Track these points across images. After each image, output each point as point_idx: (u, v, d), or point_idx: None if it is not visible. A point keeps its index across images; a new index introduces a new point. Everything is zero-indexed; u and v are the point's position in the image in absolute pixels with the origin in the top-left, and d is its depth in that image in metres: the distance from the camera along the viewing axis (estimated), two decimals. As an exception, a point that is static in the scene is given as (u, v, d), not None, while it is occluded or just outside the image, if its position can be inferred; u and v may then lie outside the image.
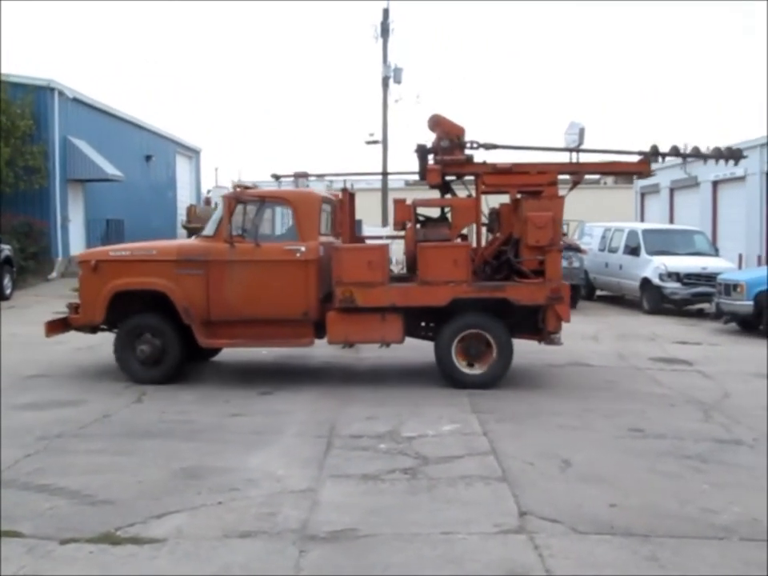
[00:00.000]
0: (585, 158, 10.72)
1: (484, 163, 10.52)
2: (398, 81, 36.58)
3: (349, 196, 11.42)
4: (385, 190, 35.57)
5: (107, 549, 5.07)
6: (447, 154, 10.42)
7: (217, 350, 11.63)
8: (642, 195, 38.95)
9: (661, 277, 19.56)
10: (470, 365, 10.06)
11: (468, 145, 10.60)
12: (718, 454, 7.41)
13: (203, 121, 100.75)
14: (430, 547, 5.11)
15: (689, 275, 19.39)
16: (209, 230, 10.68)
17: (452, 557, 4.96)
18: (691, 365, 12.17)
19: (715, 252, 21.84)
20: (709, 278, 18.73)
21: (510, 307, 10.00)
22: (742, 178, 29.58)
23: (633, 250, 21.06)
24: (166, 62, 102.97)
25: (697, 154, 11.41)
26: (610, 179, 47.45)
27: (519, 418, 8.54)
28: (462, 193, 11.17)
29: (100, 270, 10.33)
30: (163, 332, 10.18)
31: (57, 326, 10.70)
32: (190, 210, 30.01)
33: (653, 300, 19.79)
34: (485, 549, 5.09)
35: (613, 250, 22.22)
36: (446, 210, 10.83)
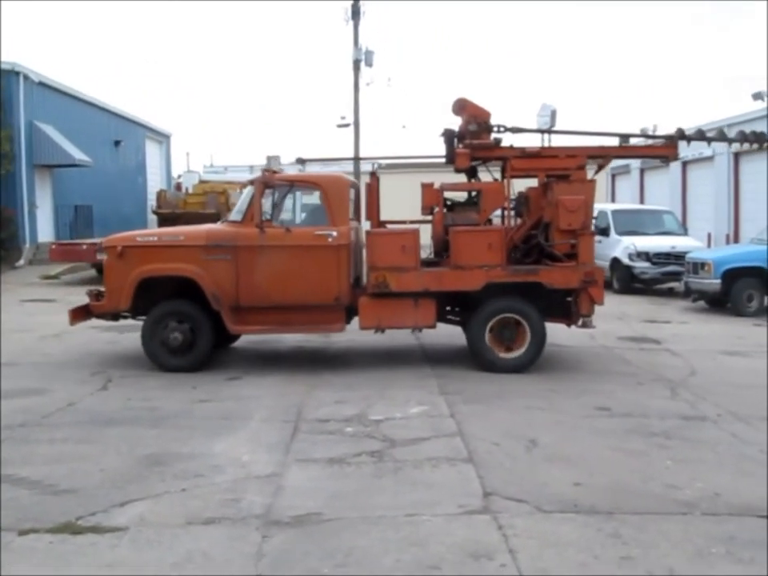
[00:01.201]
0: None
1: (513, 147, 10.49)
2: (369, 64, 36.41)
3: (376, 180, 11.09)
4: (357, 174, 35.46)
5: (67, 539, 5.00)
6: (475, 137, 10.41)
7: (237, 337, 11.48)
8: (613, 176, 39.14)
9: (630, 256, 19.65)
10: (503, 349, 10.03)
11: (495, 129, 10.57)
12: (683, 430, 7.46)
13: (173, 105, 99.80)
14: (393, 530, 5.09)
15: (658, 254, 19.49)
16: (236, 214, 10.55)
17: (416, 539, 4.95)
18: (660, 343, 12.25)
19: (684, 231, 21.98)
20: (678, 257, 18.84)
21: (540, 291, 9.99)
22: (710, 158, 29.78)
23: (602, 231, 21.09)
24: (135, 46, 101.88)
25: (722, 137, 11.52)
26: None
27: (487, 399, 8.55)
28: (483, 177, 11.10)
29: (126, 256, 10.14)
30: (194, 319, 10.05)
31: (79, 314, 10.56)
32: (160, 195, 29.69)
33: (622, 279, 19.89)
34: (449, 530, 5.08)
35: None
36: (473, 194, 10.78)
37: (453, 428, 7.41)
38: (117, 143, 33.63)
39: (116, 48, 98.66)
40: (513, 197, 10.72)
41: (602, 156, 10.73)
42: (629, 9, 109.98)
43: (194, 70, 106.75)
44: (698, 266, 16.42)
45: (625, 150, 11.23)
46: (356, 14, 36.64)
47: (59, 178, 28.14)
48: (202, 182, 32.66)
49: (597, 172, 10.70)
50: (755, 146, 11.24)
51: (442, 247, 10.38)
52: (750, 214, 28.81)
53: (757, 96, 28.16)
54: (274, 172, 10.59)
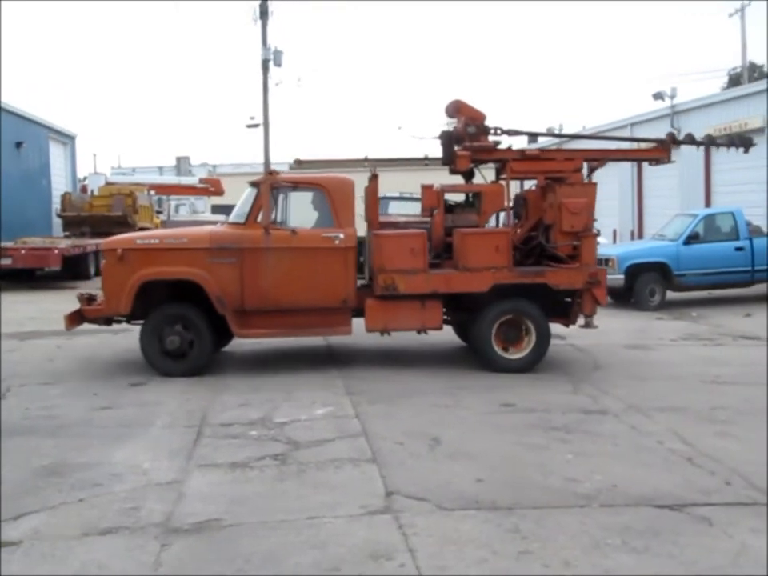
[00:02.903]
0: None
1: (513, 149, 10.63)
2: (278, 64, 36.17)
3: (375, 182, 10.81)
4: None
5: (-44, 555, 4.82)
6: (474, 140, 10.46)
7: (229, 341, 11.21)
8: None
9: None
10: (507, 349, 10.06)
11: (492, 131, 10.66)
12: (584, 424, 7.61)
13: (79, 105, 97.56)
14: (294, 533, 5.05)
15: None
16: (238, 216, 10.34)
17: (316, 542, 4.92)
18: (564, 339, 12.44)
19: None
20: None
21: (541, 292, 10.06)
22: (614, 156, 30.47)
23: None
24: (36, 44, 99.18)
25: (710, 141, 11.93)
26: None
27: (392, 399, 8.57)
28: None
29: (127, 259, 9.85)
30: (195, 322, 9.83)
31: (74, 319, 10.25)
32: (65, 198, 28.91)
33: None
34: (350, 531, 5.07)
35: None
36: (469, 195, 10.86)
37: (357, 428, 7.41)
38: (18, 145, 32.61)
39: (16, 46, 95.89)
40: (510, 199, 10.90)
41: (597, 159, 10.97)
42: (539, 8, 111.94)
43: (101, 70, 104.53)
44: (603, 262, 16.76)
45: (619, 153, 11.66)
46: (264, 13, 36.34)
47: (-42, 182, 27.17)
48: (108, 183, 31.99)
49: (589, 174, 10.90)
50: (741, 149, 11.57)
51: (442, 249, 10.39)
52: (653, 209, 29.67)
53: (657, 96, 28.99)
54: (276, 173, 10.38)
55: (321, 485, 5.94)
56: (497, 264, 9.89)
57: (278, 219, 9.99)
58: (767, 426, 7.44)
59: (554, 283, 10.02)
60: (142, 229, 25.34)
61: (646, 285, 16.37)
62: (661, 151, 11.10)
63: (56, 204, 34.84)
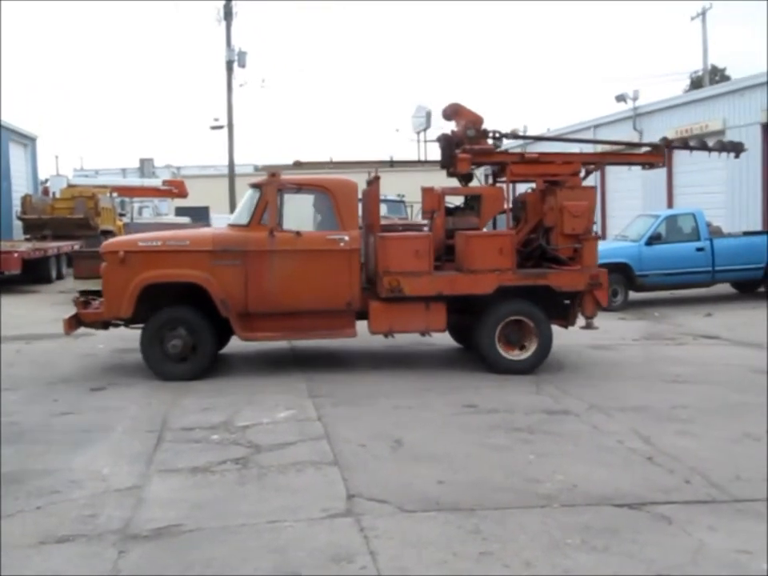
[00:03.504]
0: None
1: (512, 152, 10.70)
2: (242, 65, 36.03)
3: (376, 184, 10.74)
4: (232, 176, 35.08)
5: None
6: (473, 143, 10.51)
7: (226, 343, 11.07)
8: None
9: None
10: (511, 351, 10.07)
11: (490, 134, 10.74)
12: (547, 424, 7.64)
13: (40, 106, 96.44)
14: (254, 538, 5.02)
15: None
16: (241, 218, 10.23)
17: (276, 546, 4.89)
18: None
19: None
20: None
21: (543, 294, 10.10)
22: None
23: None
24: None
25: (702, 146, 12.07)
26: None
27: (355, 401, 8.55)
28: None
29: (128, 262, 9.70)
30: (197, 326, 9.72)
31: (73, 323, 10.11)
32: (26, 200, 28.52)
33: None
34: (310, 535, 5.04)
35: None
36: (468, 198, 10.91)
37: (320, 431, 7.37)
38: (-23, 147, 32.18)
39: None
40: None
41: (594, 163, 11.13)
42: (504, 10, 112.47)
43: (62, 70, 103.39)
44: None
45: (615, 156, 12.02)
46: (228, 14, 36.20)
47: None
48: (70, 186, 31.59)
49: (584, 177, 11.01)
50: (732, 154, 11.78)
51: (443, 251, 10.39)
52: (616, 211, 29.92)
53: (620, 98, 29.25)
54: (278, 174, 10.22)
55: (282, 488, 5.90)
56: (501, 266, 9.94)
57: (283, 221, 9.92)
58: (726, 424, 7.55)
59: (557, 285, 10.10)
60: (104, 232, 25.14)
61: (608, 285, 16.44)
62: (656, 156, 11.27)
63: (16, 206, 34.42)
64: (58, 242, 24.12)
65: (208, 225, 26.74)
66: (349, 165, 11.36)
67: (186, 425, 7.69)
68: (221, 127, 35.91)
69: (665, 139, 11.45)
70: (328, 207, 10.09)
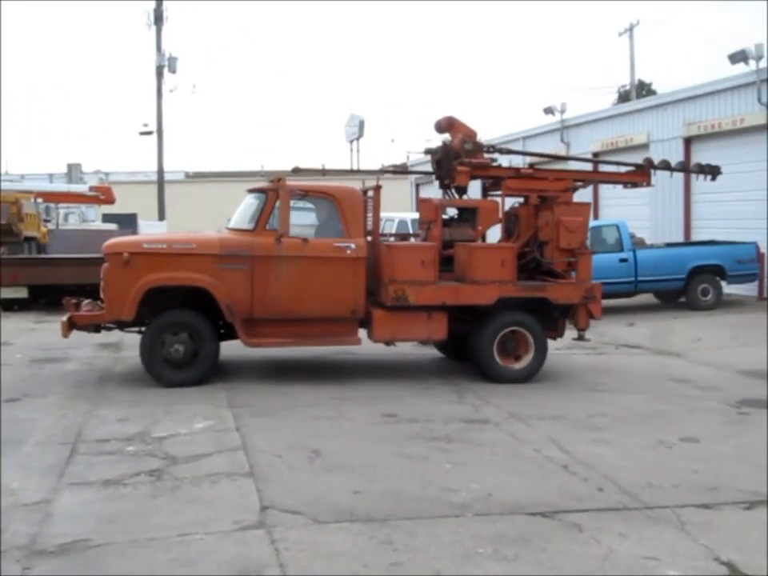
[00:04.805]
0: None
1: (509, 167, 11.07)
2: (172, 70, 35.71)
3: (378, 193, 10.61)
4: (161, 183, 34.68)
5: None
6: (470, 156, 10.68)
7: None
8: (417, 186, 40.05)
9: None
10: (508, 361, 10.15)
11: (485, 149, 10.97)
12: (465, 433, 7.69)
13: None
14: (163, 551, 4.93)
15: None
16: (243, 223, 10.07)
17: (185, 559, 4.82)
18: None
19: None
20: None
21: (538, 306, 10.24)
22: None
23: (402, 239, 21.53)
24: None
25: (683, 169, 13.02)
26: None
27: (274, 412, 8.48)
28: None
29: (133, 264, 9.42)
30: (200, 331, 9.51)
31: (68, 326, 9.79)
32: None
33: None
34: (221, 548, 4.98)
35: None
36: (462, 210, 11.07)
37: (237, 442, 7.29)
38: None
39: None
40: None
41: (583, 180, 11.49)
42: (434, 21, 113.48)
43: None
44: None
45: (602, 175, 12.58)
46: (159, 18, 35.87)
47: None
48: (-8, 190, 30.79)
49: (573, 192, 11.17)
50: (708, 177, 12.13)
51: (440, 262, 10.36)
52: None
53: (548, 110, 29.68)
54: (282, 179, 10.00)
55: (195, 500, 5.82)
56: (502, 278, 10.09)
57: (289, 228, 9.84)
58: (642, 432, 7.70)
59: (554, 298, 10.28)
60: (27, 238, 24.53)
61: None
62: (641, 175, 11.62)
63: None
64: (-21, 249, 23.43)
65: (135, 232, 26.37)
66: (349, 172, 11.52)
67: (100, 436, 7.52)
68: (150, 133, 35.56)
69: (647, 160, 11.83)
70: (333, 215, 10.10)
